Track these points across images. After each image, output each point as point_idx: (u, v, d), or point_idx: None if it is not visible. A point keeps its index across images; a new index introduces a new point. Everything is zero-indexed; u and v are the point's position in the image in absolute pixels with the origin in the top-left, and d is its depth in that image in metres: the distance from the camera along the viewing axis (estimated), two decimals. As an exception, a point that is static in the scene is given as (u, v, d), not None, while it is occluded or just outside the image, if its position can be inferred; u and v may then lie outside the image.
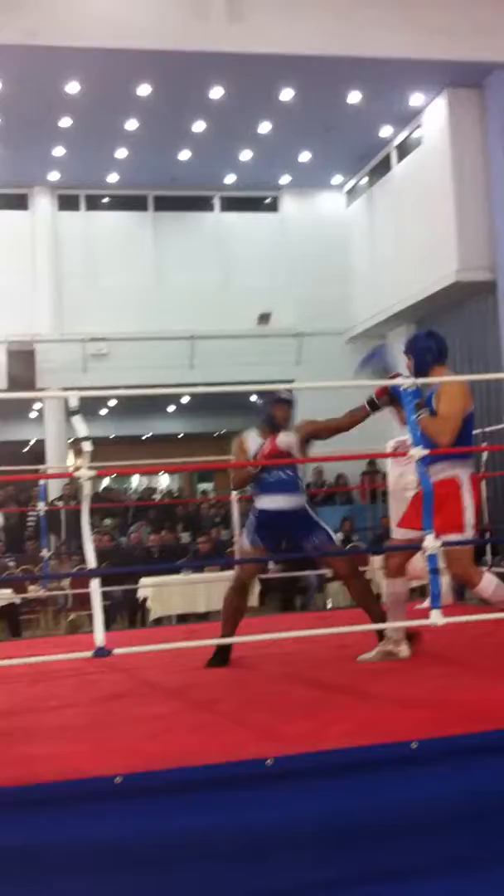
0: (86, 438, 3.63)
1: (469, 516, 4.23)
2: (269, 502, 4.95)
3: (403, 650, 4.40)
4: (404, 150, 13.43)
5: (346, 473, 14.12)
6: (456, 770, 2.86)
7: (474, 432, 6.18)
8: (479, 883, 2.78)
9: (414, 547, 4.25)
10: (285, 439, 4.92)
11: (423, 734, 2.91)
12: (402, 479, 6.76)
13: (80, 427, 3.69)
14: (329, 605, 10.22)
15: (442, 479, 4.21)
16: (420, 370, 4.41)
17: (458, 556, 4.24)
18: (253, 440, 5.04)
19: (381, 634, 4.58)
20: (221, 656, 4.82)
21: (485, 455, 7.07)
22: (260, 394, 5.16)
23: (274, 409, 4.95)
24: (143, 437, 18.38)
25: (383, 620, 4.55)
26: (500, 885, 2.79)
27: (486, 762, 2.88)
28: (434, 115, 12.36)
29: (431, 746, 2.87)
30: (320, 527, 4.96)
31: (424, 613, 3.91)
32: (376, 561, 10.00)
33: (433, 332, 4.67)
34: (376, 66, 10.97)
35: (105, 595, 9.43)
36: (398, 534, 4.61)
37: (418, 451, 3.85)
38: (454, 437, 4.21)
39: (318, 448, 5.31)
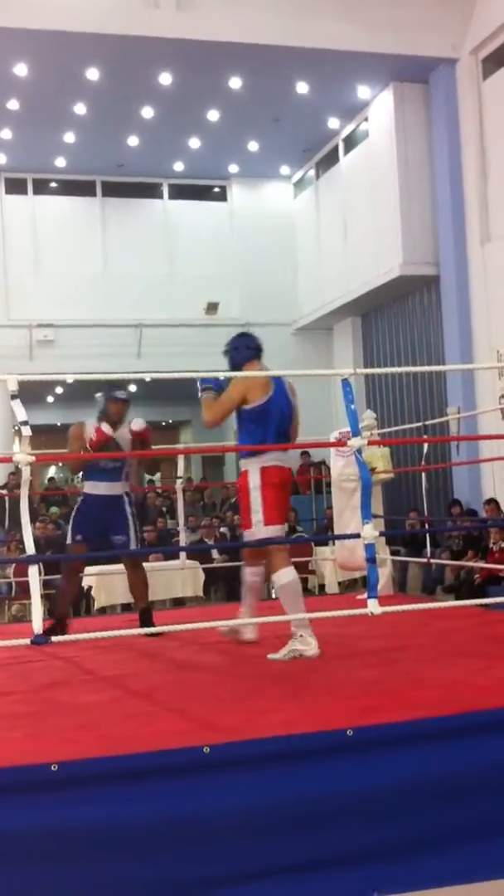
0: (24, 423, 3.58)
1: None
2: (92, 488, 5.55)
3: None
4: (351, 142, 13.47)
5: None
6: (392, 757, 2.90)
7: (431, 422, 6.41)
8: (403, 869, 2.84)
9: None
10: (114, 430, 5.47)
11: (358, 722, 2.95)
12: (345, 469, 6.81)
13: (19, 411, 3.64)
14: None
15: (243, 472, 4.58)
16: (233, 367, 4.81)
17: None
18: (89, 428, 5.55)
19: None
20: None
21: (426, 447, 7.17)
22: (102, 389, 5.68)
23: (109, 406, 5.53)
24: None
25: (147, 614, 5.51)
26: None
27: (421, 749, 2.93)
28: (380, 108, 12.40)
29: (367, 734, 2.91)
30: (129, 527, 5.48)
31: (363, 603, 3.96)
32: (321, 551, 10.12)
33: (245, 333, 5.07)
34: (323, 57, 11.00)
35: (50, 584, 9.42)
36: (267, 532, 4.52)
37: (357, 441, 3.89)
38: (217, 420, 4.56)
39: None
